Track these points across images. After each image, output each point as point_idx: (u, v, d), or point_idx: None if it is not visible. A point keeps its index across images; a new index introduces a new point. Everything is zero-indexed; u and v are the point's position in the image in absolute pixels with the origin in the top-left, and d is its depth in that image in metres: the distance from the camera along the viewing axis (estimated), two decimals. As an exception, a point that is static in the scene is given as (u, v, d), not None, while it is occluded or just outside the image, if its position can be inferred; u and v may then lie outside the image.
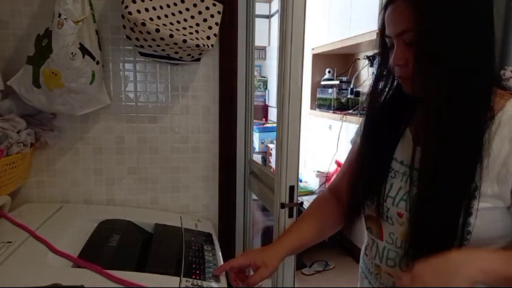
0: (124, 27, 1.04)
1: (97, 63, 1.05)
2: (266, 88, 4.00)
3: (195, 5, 1.12)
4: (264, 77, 4.03)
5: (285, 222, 0.97)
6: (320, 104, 2.70)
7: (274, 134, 3.30)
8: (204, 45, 1.08)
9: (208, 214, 1.36)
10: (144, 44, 1.06)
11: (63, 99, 1.02)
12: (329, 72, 2.70)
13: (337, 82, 2.57)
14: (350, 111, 2.38)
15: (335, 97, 2.53)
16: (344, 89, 2.55)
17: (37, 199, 1.21)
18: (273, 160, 3.21)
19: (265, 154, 3.41)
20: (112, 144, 1.24)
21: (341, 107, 2.51)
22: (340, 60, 2.73)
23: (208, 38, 1.12)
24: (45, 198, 1.21)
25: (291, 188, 0.97)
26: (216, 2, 1.15)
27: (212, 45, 1.12)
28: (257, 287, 0.83)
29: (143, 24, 0.97)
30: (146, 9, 1.00)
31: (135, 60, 1.22)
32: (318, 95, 2.72)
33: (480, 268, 0.55)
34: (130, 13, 0.97)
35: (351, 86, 2.51)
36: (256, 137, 3.39)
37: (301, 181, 2.94)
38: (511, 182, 0.61)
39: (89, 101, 1.10)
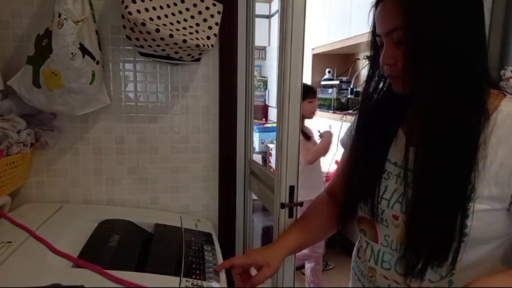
0: (124, 27, 1.04)
1: (97, 63, 1.05)
2: (266, 88, 4.00)
3: (195, 5, 1.12)
4: (264, 77, 4.03)
5: (285, 222, 0.97)
6: (320, 104, 2.70)
7: (274, 134, 3.30)
8: (204, 45, 1.08)
9: (208, 214, 1.36)
10: (144, 44, 1.06)
11: (63, 99, 1.02)
12: (329, 72, 2.70)
13: (337, 82, 2.57)
14: (350, 111, 2.39)
15: (335, 97, 2.53)
16: (344, 89, 2.55)
17: (37, 199, 1.21)
18: (273, 160, 3.21)
19: (265, 154, 3.40)
20: (112, 144, 1.24)
21: (341, 107, 2.52)
22: (340, 60, 2.74)
23: (208, 38, 1.12)
24: (45, 198, 1.21)
25: (291, 188, 0.97)
26: (216, 2, 1.15)
27: (212, 45, 1.12)
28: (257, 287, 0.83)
29: (143, 24, 0.97)
30: (146, 9, 1.00)
31: (135, 60, 1.22)
32: (318, 95, 2.72)
33: None
34: (130, 13, 0.97)
35: (351, 86, 2.51)
36: (256, 137, 3.39)
37: (301, 181, 2.93)
38: None
39: (89, 101, 1.10)
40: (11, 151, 0.99)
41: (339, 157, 2.83)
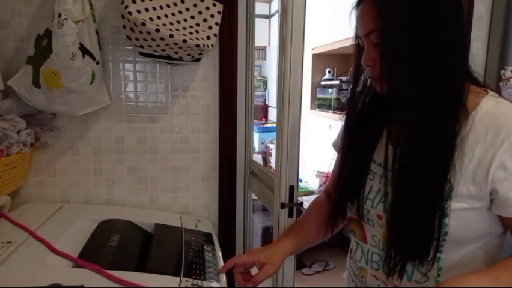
0: (124, 27, 1.04)
1: (97, 63, 1.05)
2: (266, 88, 3.99)
3: (195, 5, 1.12)
4: (264, 77, 4.03)
5: (285, 222, 0.97)
6: (320, 104, 2.70)
7: (274, 134, 3.30)
8: (203, 45, 1.08)
9: (208, 214, 1.36)
10: (144, 44, 1.06)
11: (63, 99, 1.02)
12: (329, 72, 2.70)
13: (337, 82, 2.56)
14: (349, 111, 2.37)
15: (335, 97, 2.53)
16: (344, 89, 2.55)
17: (37, 199, 1.21)
18: (273, 160, 3.21)
19: (265, 154, 3.40)
20: (112, 144, 1.24)
21: (341, 107, 2.51)
22: (340, 60, 2.73)
23: (208, 38, 1.12)
24: (45, 198, 1.21)
25: (291, 188, 0.97)
26: (216, 2, 1.15)
27: (212, 45, 1.12)
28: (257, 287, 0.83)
29: (143, 24, 0.97)
30: (146, 9, 1.00)
31: (135, 60, 1.22)
32: (318, 95, 2.72)
33: None
34: (130, 13, 0.97)
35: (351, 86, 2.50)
36: (256, 137, 3.39)
37: (301, 181, 2.93)
38: (490, 182, 0.60)
39: (89, 101, 1.10)
40: (11, 151, 0.99)
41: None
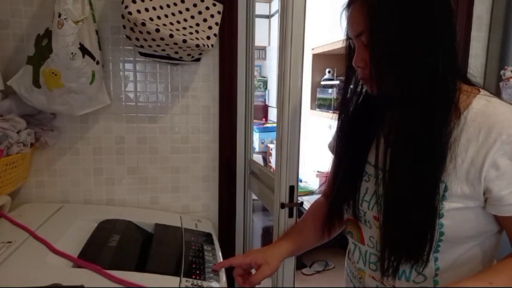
0: (124, 27, 1.04)
1: (97, 63, 1.05)
2: (266, 88, 3.99)
3: (195, 5, 1.12)
4: (264, 77, 4.03)
5: (285, 222, 0.97)
6: (320, 104, 2.70)
7: (274, 134, 3.30)
8: (203, 45, 1.08)
9: (208, 214, 1.36)
10: (144, 44, 1.06)
11: (63, 99, 1.02)
12: (329, 72, 2.70)
13: (337, 82, 2.56)
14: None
15: (335, 97, 2.53)
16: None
17: (37, 199, 1.21)
18: (273, 160, 3.21)
19: (265, 154, 3.40)
20: (112, 144, 1.24)
21: (341, 107, 2.50)
22: (340, 60, 2.73)
23: (208, 38, 1.12)
24: (45, 198, 1.21)
25: (291, 188, 0.97)
26: (216, 2, 1.15)
27: (212, 45, 1.12)
28: (257, 287, 0.83)
29: (143, 24, 0.97)
30: (146, 9, 1.00)
31: (135, 60, 1.22)
32: (318, 95, 2.72)
33: None
34: (130, 13, 0.97)
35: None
36: (256, 137, 3.39)
37: (301, 181, 2.93)
38: (483, 182, 0.60)
39: (89, 101, 1.10)
40: (11, 151, 0.99)
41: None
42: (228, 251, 1.37)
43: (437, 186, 0.61)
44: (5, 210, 1.00)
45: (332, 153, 0.89)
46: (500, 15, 1.54)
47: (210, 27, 1.14)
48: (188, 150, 1.31)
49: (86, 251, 0.87)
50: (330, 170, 0.91)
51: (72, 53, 0.96)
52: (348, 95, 0.76)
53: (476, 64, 1.55)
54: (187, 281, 0.81)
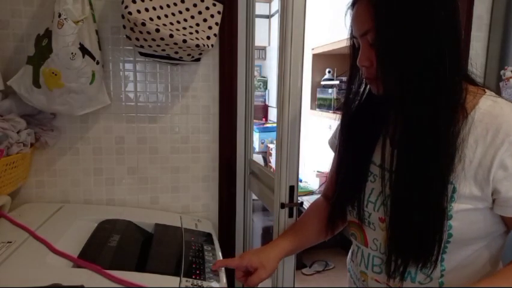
0: (124, 27, 1.04)
1: (97, 63, 1.05)
2: (266, 88, 3.99)
3: (195, 5, 1.12)
4: (264, 77, 4.03)
5: (285, 222, 0.97)
6: (320, 104, 2.70)
7: (274, 134, 3.30)
8: (203, 45, 1.08)
9: (208, 214, 1.36)
10: (144, 44, 1.06)
11: (63, 99, 1.02)
12: (329, 72, 2.70)
13: (337, 82, 2.56)
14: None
15: (335, 97, 2.53)
16: (344, 89, 2.55)
17: (37, 199, 1.21)
18: (273, 160, 3.21)
19: (265, 154, 3.40)
20: (112, 144, 1.24)
21: (341, 107, 2.51)
22: (340, 60, 2.73)
23: (208, 38, 1.12)
24: (45, 198, 1.21)
25: (291, 188, 0.97)
26: (216, 2, 1.15)
27: (212, 45, 1.12)
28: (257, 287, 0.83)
29: (143, 24, 0.97)
30: (146, 9, 1.00)
31: (135, 60, 1.22)
32: (318, 95, 2.72)
33: None
34: (130, 13, 0.97)
35: (351, 86, 2.50)
36: (256, 137, 3.39)
37: (301, 181, 2.93)
38: (491, 183, 0.60)
39: (89, 101, 1.10)
40: (11, 151, 0.99)
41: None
42: (228, 251, 1.37)
43: (445, 187, 0.61)
44: (5, 210, 1.00)
45: (332, 149, 0.89)
46: (500, 15, 1.54)
47: (210, 27, 1.14)
48: (188, 150, 1.31)
49: (86, 251, 0.87)
50: (330, 170, 0.90)
51: (72, 53, 0.96)
52: (351, 95, 0.76)
53: (476, 64, 1.55)
54: (187, 281, 0.80)
